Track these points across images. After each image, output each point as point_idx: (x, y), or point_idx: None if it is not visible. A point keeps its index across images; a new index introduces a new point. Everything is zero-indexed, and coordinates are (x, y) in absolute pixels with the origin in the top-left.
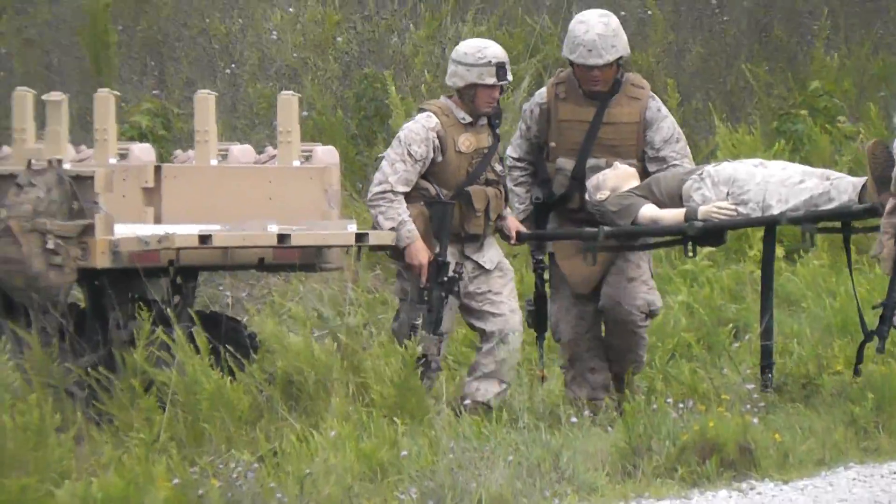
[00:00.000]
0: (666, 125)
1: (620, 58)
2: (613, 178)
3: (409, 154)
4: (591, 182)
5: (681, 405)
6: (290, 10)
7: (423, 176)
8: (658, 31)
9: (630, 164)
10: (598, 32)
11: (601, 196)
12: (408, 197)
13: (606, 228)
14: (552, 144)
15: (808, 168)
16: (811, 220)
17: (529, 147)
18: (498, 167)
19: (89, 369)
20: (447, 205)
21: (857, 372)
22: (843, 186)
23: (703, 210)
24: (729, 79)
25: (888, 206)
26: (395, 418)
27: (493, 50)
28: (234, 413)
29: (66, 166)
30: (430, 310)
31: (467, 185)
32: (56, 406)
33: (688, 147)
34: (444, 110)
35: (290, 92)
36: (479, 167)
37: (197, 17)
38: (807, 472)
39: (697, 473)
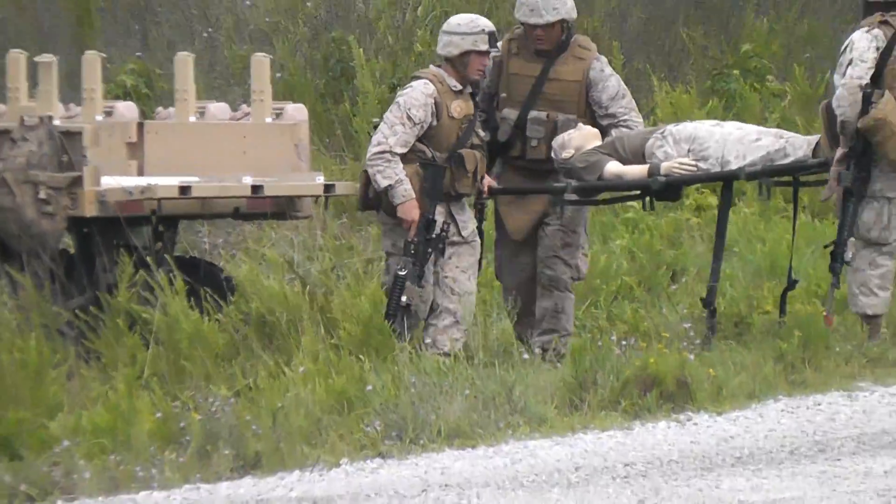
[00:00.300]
0: (611, 84)
1: (564, 21)
2: (578, 138)
3: (409, 118)
4: (556, 141)
5: (623, 342)
6: None
7: (419, 139)
8: None
9: (572, 120)
10: None
11: (566, 154)
12: (403, 158)
13: (574, 182)
14: (502, 95)
15: (762, 128)
16: (768, 174)
17: (482, 97)
18: (481, 132)
19: (78, 310)
20: (441, 167)
21: (781, 313)
22: (798, 143)
23: (665, 166)
24: (667, 41)
25: (836, 155)
26: (360, 356)
27: (484, 21)
28: (211, 351)
29: (57, 123)
30: (415, 263)
31: (457, 148)
32: (48, 344)
33: (633, 101)
34: (438, 78)
35: (263, 54)
36: (467, 132)
37: None
38: (739, 405)
39: (639, 406)
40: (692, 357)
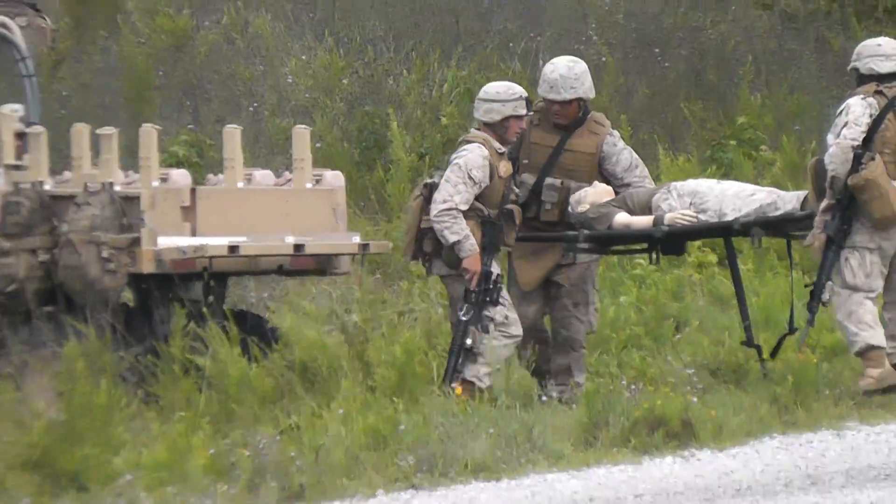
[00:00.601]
0: (624, 156)
1: (580, 99)
2: (593, 194)
3: (470, 177)
4: (573, 197)
5: (632, 387)
6: (303, 57)
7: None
8: (610, 74)
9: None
10: (560, 73)
11: (581, 209)
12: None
13: (585, 231)
14: (524, 161)
15: (757, 186)
16: (760, 225)
17: None
18: (516, 189)
19: (138, 358)
20: (497, 223)
21: (772, 355)
22: (787, 198)
23: (668, 216)
24: (670, 115)
25: (822, 206)
26: (394, 398)
27: (519, 87)
28: (258, 394)
29: (117, 188)
30: (477, 309)
31: (504, 204)
32: (112, 388)
33: (646, 169)
34: (487, 142)
35: (303, 126)
36: (509, 189)
37: (226, 64)
38: (738, 442)
39: (647, 443)
40: (695, 400)
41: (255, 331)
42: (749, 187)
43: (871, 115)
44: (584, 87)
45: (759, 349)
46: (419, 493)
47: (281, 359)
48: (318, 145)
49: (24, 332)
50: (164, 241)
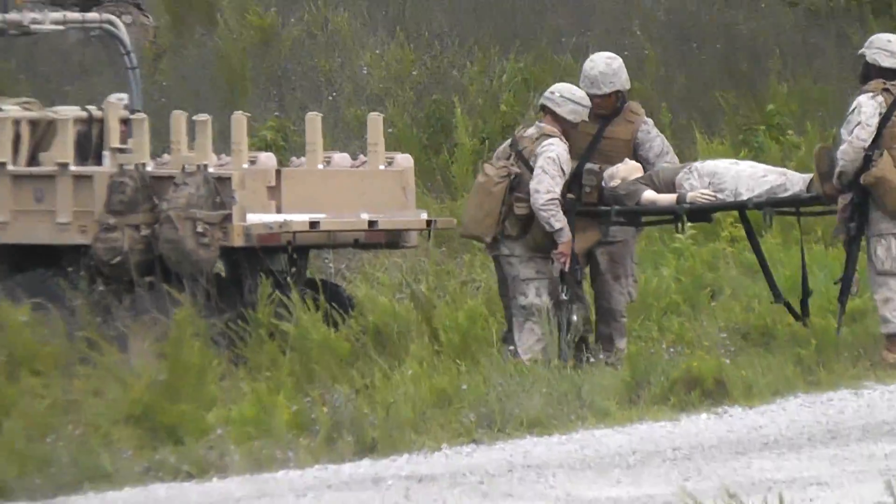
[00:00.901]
0: (657, 143)
1: (618, 91)
2: (624, 170)
3: (562, 170)
4: (606, 173)
5: (672, 349)
6: (377, 51)
7: None
8: (652, 65)
9: None
10: (600, 70)
11: (614, 183)
12: None
13: (617, 207)
14: None
15: (769, 167)
16: (770, 205)
17: None
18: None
19: (228, 323)
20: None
21: (802, 320)
22: (795, 179)
23: (690, 195)
24: (706, 102)
25: (840, 205)
26: (457, 360)
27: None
28: (336, 356)
29: (211, 170)
30: (574, 287)
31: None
32: (205, 351)
33: (675, 157)
34: (562, 138)
35: (377, 113)
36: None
37: (308, 57)
38: (766, 400)
39: (684, 401)
40: (728, 361)
41: (333, 299)
42: (761, 169)
43: (880, 114)
44: (621, 80)
45: (787, 304)
46: (479, 446)
47: (356, 324)
48: (389, 130)
49: (128, 299)
50: (253, 218)
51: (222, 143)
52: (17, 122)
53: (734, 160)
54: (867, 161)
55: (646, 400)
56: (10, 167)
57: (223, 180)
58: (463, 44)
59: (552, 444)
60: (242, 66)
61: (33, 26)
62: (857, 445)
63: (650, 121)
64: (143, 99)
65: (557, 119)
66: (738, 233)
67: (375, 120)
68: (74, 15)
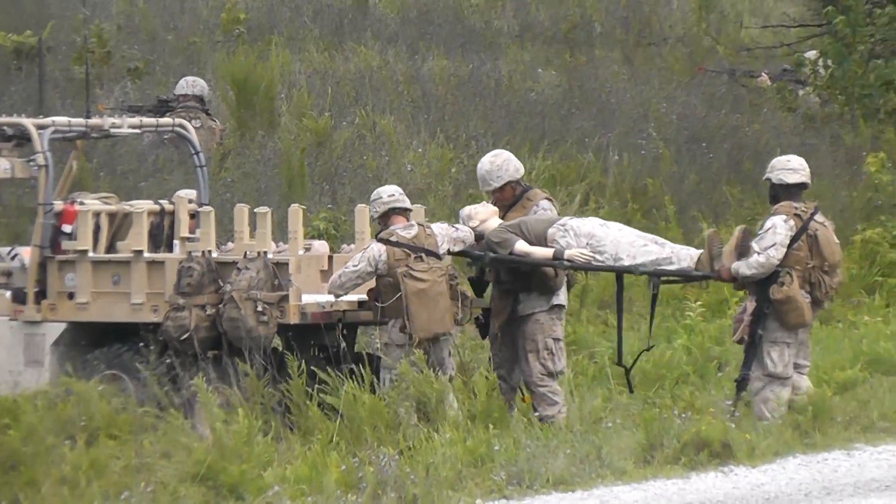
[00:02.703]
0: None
1: (508, 182)
2: (483, 213)
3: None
4: (463, 211)
5: (683, 415)
6: (420, 150)
7: None
8: (666, 163)
9: None
10: (486, 169)
11: (472, 224)
12: None
13: (491, 254)
14: None
15: (640, 232)
16: (658, 276)
17: None
18: None
19: (284, 392)
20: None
21: (630, 386)
22: (682, 255)
23: (568, 253)
24: (714, 196)
25: (746, 308)
26: (490, 425)
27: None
28: (382, 421)
29: (270, 256)
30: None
31: None
32: (263, 417)
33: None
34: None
35: (419, 205)
36: None
37: (357, 156)
38: (767, 460)
39: (694, 461)
40: (733, 426)
41: (378, 370)
42: (641, 239)
43: (789, 236)
44: (509, 171)
45: (626, 370)
46: (509, 502)
47: (398, 393)
48: (429, 218)
49: (193, 371)
50: (307, 298)
51: (280, 232)
52: (97, 215)
53: (603, 221)
54: (775, 276)
55: (659, 460)
56: (90, 254)
57: (281, 265)
58: (496, 143)
59: (575, 499)
60: (299, 164)
61: (113, 130)
62: (850, 501)
63: (546, 203)
64: (210, 193)
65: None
66: None
67: (418, 212)
68: (150, 120)
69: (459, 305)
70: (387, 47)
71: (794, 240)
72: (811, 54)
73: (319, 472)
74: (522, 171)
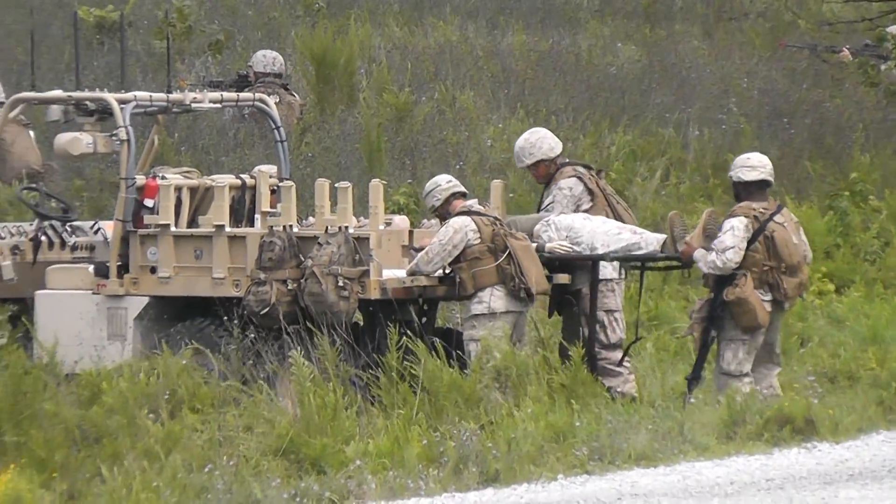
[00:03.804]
0: (552, 196)
1: (541, 160)
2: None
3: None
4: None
5: (766, 391)
6: (500, 125)
7: None
8: (747, 139)
9: None
10: (519, 146)
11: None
12: None
13: None
14: None
15: (621, 224)
16: (626, 260)
17: None
18: None
19: (365, 367)
20: None
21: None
22: (650, 240)
23: (548, 245)
24: (796, 172)
25: (697, 305)
26: (572, 400)
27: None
28: (463, 396)
29: (351, 231)
30: None
31: None
32: (344, 392)
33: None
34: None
35: (499, 181)
36: None
37: (437, 131)
38: (851, 436)
39: (777, 437)
40: (816, 401)
41: (459, 344)
42: (615, 227)
43: (746, 239)
44: (542, 150)
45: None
46: (591, 477)
47: (480, 367)
48: (510, 196)
49: (275, 346)
50: (388, 274)
51: (361, 207)
52: (178, 189)
53: (586, 215)
54: (731, 277)
55: (742, 436)
56: (172, 228)
57: (362, 240)
58: (576, 119)
59: (657, 475)
60: (379, 139)
61: (194, 105)
62: None
63: (568, 182)
64: (291, 168)
65: None
66: (825, 287)
67: (498, 186)
68: (230, 95)
69: None
70: (466, 22)
71: (750, 241)
72: (893, 29)
73: (401, 446)
74: (558, 149)
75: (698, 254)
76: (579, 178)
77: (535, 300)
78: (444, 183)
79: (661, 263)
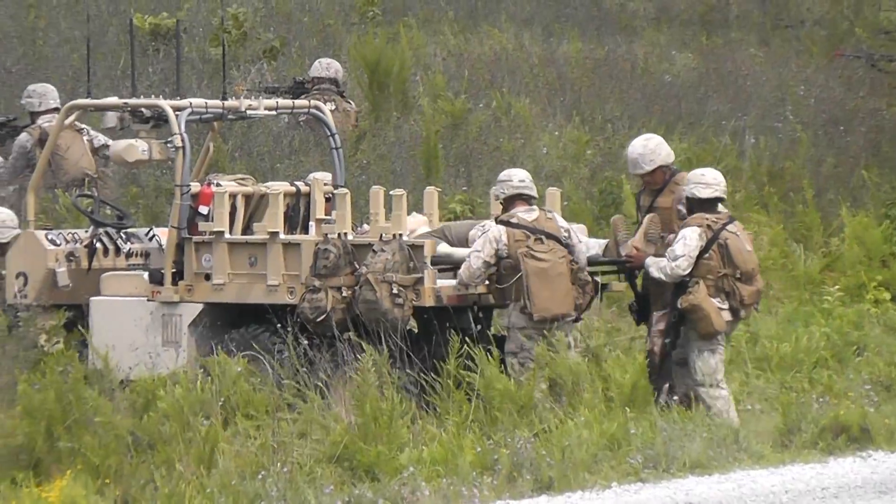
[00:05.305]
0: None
1: (661, 167)
2: (412, 223)
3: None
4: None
5: (821, 399)
6: (555, 133)
7: None
8: (803, 147)
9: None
10: (638, 152)
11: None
12: None
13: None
14: None
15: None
16: None
17: None
18: None
19: (419, 374)
20: None
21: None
22: (592, 244)
23: None
24: (852, 180)
25: (655, 318)
26: (626, 407)
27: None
28: (516, 403)
29: (405, 238)
30: None
31: None
32: (398, 398)
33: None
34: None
35: (555, 188)
36: None
37: (493, 138)
38: None
39: (832, 446)
40: (872, 410)
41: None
42: None
43: (699, 248)
44: (661, 156)
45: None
46: (646, 485)
47: (533, 375)
48: (565, 204)
49: (329, 353)
50: (442, 281)
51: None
52: (233, 196)
53: None
54: (684, 286)
55: (797, 444)
56: (227, 235)
57: (416, 247)
58: (632, 126)
59: (712, 483)
60: (434, 147)
61: (249, 112)
62: None
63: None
64: (345, 175)
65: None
66: (881, 295)
67: (553, 194)
68: (285, 102)
69: (582, 292)
70: (522, 30)
71: (704, 250)
72: None
73: (454, 453)
74: (673, 156)
75: (650, 260)
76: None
77: (549, 324)
78: (517, 181)
79: (605, 268)
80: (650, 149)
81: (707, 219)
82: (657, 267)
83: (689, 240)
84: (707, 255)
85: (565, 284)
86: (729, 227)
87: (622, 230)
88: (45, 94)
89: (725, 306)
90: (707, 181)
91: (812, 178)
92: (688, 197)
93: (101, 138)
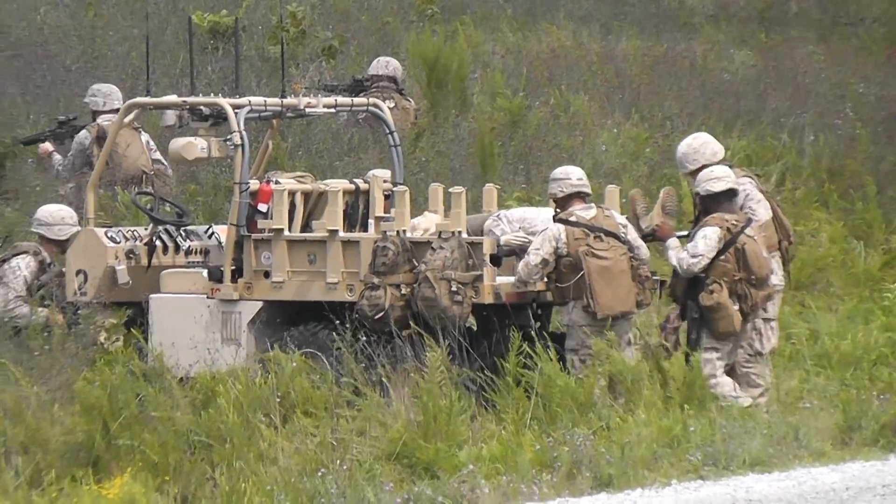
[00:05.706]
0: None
1: (703, 166)
2: (424, 223)
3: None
4: (412, 221)
5: (882, 396)
6: (614, 130)
7: None
8: (863, 144)
9: None
10: (683, 151)
11: (417, 234)
12: None
13: None
14: None
15: None
16: None
17: None
18: None
19: (479, 371)
20: None
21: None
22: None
23: (504, 238)
24: None
25: (668, 318)
26: (685, 405)
27: None
28: (576, 401)
29: (465, 236)
30: None
31: None
32: (457, 395)
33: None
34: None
35: (614, 186)
36: None
37: (551, 136)
38: None
39: (893, 443)
40: None
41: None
42: None
43: (716, 249)
44: (705, 155)
45: None
46: (705, 482)
47: (593, 373)
48: (623, 201)
49: (388, 350)
50: (501, 278)
51: (475, 211)
52: (292, 194)
53: (536, 208)
54: (698, 281)
55: (857, 441)
56: (286, 233)
57: (475, 245)
58: (691, 124)
59: (772, 480)
60: (492, 144)
61: (308, 110)
62: None
63: (745, 181)
64: (404, 173)
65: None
66: None
67: (613, 192)
68: (344, 100)
69: (642, 288)
70: (580, 27)
71: (721, 252)
72: None
73: (514, 451)
74: (721, 154)
75: (672, 241)
76: (751, 178)
77: (612, 321)
78: (575, 179)
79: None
80: (694, 148)
81: (727, 220)
82: (676, 255)
83: (710, 239)
84: (723, 257)
85: (627, 282)
86: (747, 231)
87: (641, 204)
88: (109, 94)
89: (736, 308)
90: (717, 175)
91: (872, 175)
92: (703, 196)
93: (153, 146)
